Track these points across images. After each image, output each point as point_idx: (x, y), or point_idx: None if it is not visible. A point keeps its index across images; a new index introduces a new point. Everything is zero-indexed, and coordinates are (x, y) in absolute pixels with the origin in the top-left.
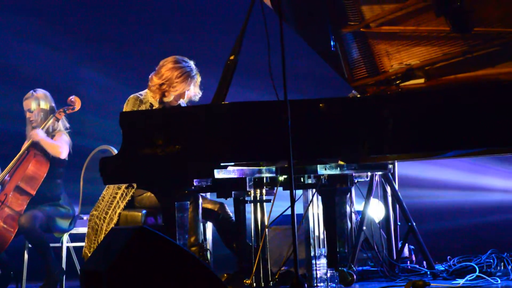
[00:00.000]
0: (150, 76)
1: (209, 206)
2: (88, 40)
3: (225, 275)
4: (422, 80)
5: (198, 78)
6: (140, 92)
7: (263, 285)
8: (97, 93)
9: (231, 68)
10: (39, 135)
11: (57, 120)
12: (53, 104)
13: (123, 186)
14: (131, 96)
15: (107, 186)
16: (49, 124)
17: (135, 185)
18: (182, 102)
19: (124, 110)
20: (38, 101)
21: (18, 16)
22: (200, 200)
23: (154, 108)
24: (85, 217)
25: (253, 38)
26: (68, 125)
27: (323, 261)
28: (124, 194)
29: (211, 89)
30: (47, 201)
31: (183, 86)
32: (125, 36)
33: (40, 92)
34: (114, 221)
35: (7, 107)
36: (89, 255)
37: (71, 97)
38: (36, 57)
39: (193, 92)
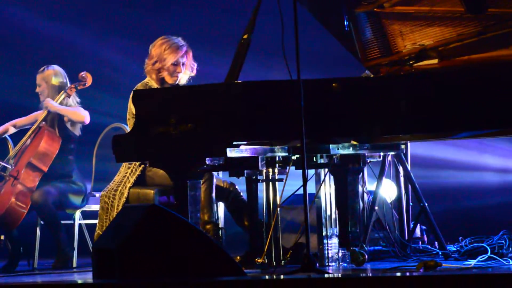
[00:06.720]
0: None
1: (219, 185)
2: (100, 16)
3: (238, 257)
4: (435, 61)
5: (189, 51)
6: (146, 80)
7: (274, 264)
8: (109, 70)
9: (244, 47)
10: (54, 105)
11: (68, 96)
12: (65, 80)
13: (133, 164)
14: (139, 84)
15: (119, 171)
16: (60, 100)
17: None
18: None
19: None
20: (46, 78)
21: None
22: (214, 179)
23: None
24: (97, 194)
25: (266, 17)
26: (78, 100)
27: (334, 241)
28: (134, 170)
29: (224, 67)
30: (59, 178)
31: (172, 56)
32: (138, 12)
33: (51, 69)
34: (125, 195)
35: (19, 82)
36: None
37: (82, 73)
38: (48, 32)
39: (189, 63)
